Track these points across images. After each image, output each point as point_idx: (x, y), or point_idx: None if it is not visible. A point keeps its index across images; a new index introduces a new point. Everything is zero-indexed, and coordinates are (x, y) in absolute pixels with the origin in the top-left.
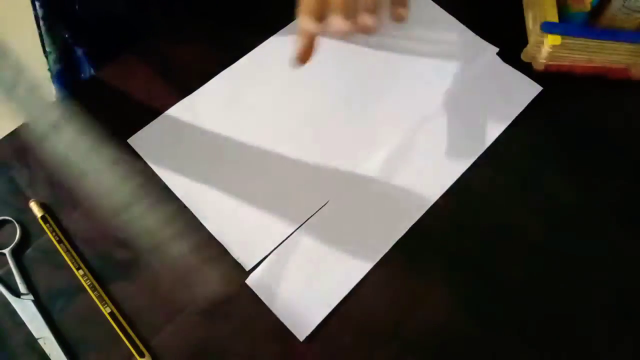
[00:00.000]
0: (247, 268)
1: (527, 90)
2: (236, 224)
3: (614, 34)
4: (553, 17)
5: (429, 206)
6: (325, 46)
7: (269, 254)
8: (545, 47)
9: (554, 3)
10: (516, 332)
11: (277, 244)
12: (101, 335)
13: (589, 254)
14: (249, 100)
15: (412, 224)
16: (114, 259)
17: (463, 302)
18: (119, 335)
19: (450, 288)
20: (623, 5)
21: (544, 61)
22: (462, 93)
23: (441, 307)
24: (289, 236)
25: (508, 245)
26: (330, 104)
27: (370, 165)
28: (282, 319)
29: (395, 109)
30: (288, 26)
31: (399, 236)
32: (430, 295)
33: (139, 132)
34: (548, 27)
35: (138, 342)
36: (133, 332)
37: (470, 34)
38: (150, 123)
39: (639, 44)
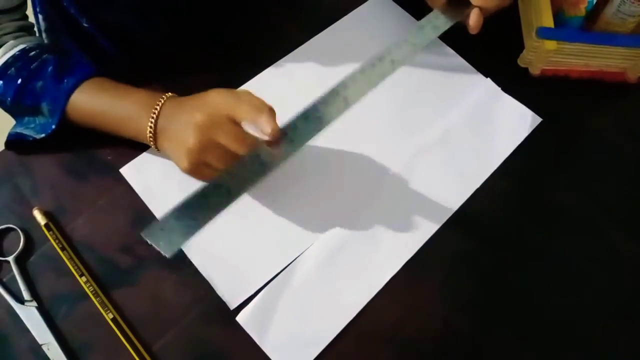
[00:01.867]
0: (232, 307)
1: (527, 121)
2: (222, 261)
3: (609, 38)
4: (549, 22)
5: (424, 242)
6: (329, 75)
7: (255, 293)
8: (541, 52)
9: (550, 8)
10: (516, 334)
11: (263, 284)
12: (104, 341)
13: (589, 256)
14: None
15: (404, 262)
16: (116, 265)
17: (461, 304)
18: (121, 341)
19: (449, 291)
20: (618, 10)
21: (540, 66)
22: (461, 125)
23: (440, 310)
24: (277, 274)
25: (507, 248)
26: (329, 134)
27: (367, 197)
28: (272, 358)
29: (392, 140)
30: (286, 57)
31: (391, 275)
32: (428, 298)
33: (131, 163)
34: (544, 33)
35: (140, 348)
36: (135, 338)
37: (467, 65)
38: (142, 154)
39: (634, 47)
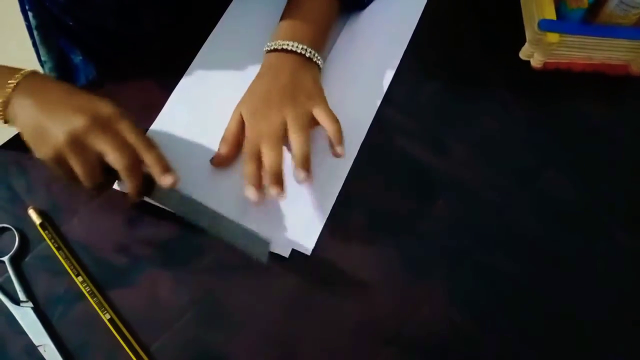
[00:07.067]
0: (309, 252)
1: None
2: (280, 219)
3: (613, 30)
4: (551, 14)
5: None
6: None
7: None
8: (543, 45)
9: (552, 0)
10: (517, 332)
11: (325, 218)
12: (101, 341)
13: (591, 253)
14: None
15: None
16: (113, 265)
17: (463, 303)
18: (118, 341)
19: (450, 289)
20: (620, 2)
21: (542, 59)
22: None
23: (441, 308)
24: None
25: (508, 246)
26: None
27: None
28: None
29: None
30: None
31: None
32: (430, 297)
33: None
34: (546, 25)
35: (138, 348)
36: (133, 338)
37: None
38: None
39: (638, 40)
